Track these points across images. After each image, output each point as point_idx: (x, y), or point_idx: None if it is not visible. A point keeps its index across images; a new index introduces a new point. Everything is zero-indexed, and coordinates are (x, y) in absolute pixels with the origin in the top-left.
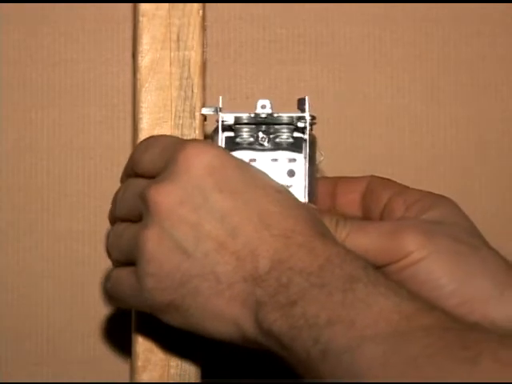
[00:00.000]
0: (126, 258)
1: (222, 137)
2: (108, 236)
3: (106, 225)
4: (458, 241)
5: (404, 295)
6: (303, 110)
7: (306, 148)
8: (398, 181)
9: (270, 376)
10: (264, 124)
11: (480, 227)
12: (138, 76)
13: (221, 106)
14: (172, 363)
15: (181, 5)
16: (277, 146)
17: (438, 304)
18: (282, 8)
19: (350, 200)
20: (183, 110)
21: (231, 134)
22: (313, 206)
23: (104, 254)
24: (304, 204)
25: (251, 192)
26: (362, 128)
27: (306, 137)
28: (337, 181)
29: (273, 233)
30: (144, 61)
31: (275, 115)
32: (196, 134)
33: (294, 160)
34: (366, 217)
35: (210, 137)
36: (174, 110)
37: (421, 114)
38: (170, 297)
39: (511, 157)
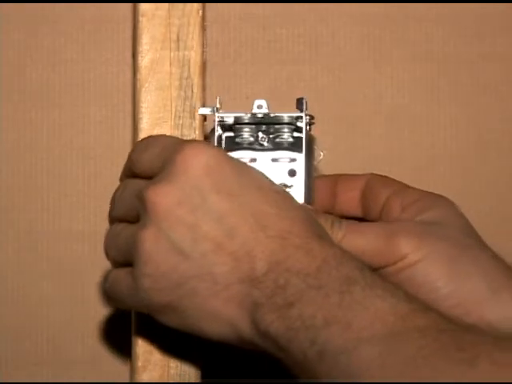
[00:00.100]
0: (123, 259)
1: (218, 137)
2: (106, 236)
3: (106, 225)
4: (454, 243)
5: (400, 297)
6: (302, 110)
7: (303, 147)
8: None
9: (270, 376)
10: (262, 124)
11: (479, 227)
12: (138, 76)
13: (218, 105)
14: (172, 364)
15: (181, 5)
16: (277, 146)
17: (435, 306)
18: (282, 8)
19: (350, 198)
20: (183, 110)
21: (231, 134)
22: (309, 206)
23: (104, 254)
24: (301, 205)
25: (248, 193)
26: (362, 128)
27: (303, 136)
28: (337, 178)
29: (269, 234)
30: (144, 61)
31: (272, 115)
32: (196, 134)
33: (295, 160)
34: (366, 215)
35: (207, 137)
36: (173, 110)
37: (421, 114)
38: (167, 297)
39: (511, 157)
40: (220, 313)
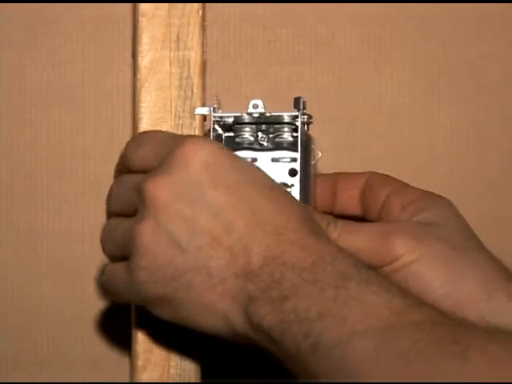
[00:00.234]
0: (120, 252)
1: (216, 136)
2: (102, 230)
3: None
4: (451, 244)
5: (395, 292)
6: (298, 109)
7: (298, 146)
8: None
9: (270, 376)
10: (260, 124)
11: (479, 227)
12: (138, 76)
13: (215, 105)
14: (172, 363)
15: (181, 5)
16: (277, 146)
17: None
18: (282, 8)
19: (350, 196)
20: (183, 110)
21: (231, 133)
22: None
23: (104, 254)
24: (298, 202)
25: (246, 188)
26: (362, 128)
27: (299, 135)
28: (337, 177)
29: (265, 229)
30: (144, 61)
31: (267, 114)
32: (196, 134)
33: (295, 159)
34: (365, 214)
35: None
36: (173, 110)
37: (421, 114)
38: (162, 290)
39: (511, 157)
40: (214, 306)
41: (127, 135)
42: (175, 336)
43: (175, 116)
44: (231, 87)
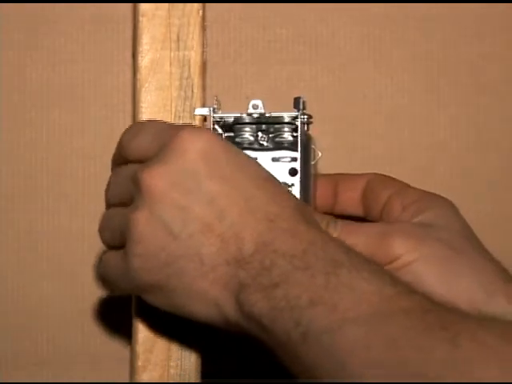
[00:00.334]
0: (116, 241)
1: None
2: (101, 219)
3: None
4: (451, 244)
5: (386, 280)
6: (298, 109)
7: (298, 146)
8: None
9: (270, 376)
10: (259, 124)
11: (479, 227)
12: (138, 76)
13: (215, 106)
14: (172, 363)
15: (181, 5)
16: (277, 146)
17: None
18: (282, 8)
19: (351, 197)
20: (183, 110)
21: (231, 133)
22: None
23: None
24: (291, 193)
25: (240, 178)
26: (362, 128)
27: (299, 135)
28: (338, 178)
29: (257, 217)
30: (144, 61)
31: (267, 115)
32: None
33: (296, 159)
34: (367, 214)
35: None
36: (173, 109)
37: (421, 114)
38: (155, 277)
39: (511, 157)
40: (206, 293)
41: None
42: (175, 336)
43: (175, 116)
44: (231, 87)
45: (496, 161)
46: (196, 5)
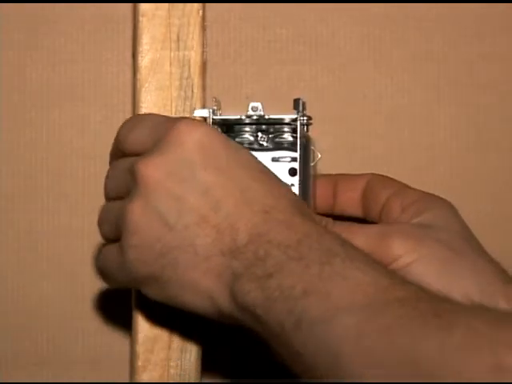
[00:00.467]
0: (114, 233)
1: None
2: (99, 212)
3: None
4: (449, 245)
5: (381, 270)
6: (298, 111)
7: (297, 148)
8: (397, 180)
9: (270, 376)
10: (258, 124)
11: (479, 227)
12: (138, 76)
13: (214, 107)
14: (172, 363)
15: (181, 5)
16: (277, 146)
17: None
18: (282, 8)
19: (350, 198)
20: (183, 110)
21: (231, 133)
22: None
23: None
24: (287, 185)
25: (236, 169)
26: (362, 128)
27: (298, 137)
28: (337, 178)
29: (253, 208)
30: (144, 61)
31: (266, 117)
32: None
33: (295, 159)
34: (366, 215)
35: None
36: (173, 110)
37: (421, 114)
38: (150, 268)
39: (511, 157)
40: (199, 285)
41: None
42: (176, 335)
43: (175, 116)
44: (231, 87)
45: (496, 161)
46: (196, 5)
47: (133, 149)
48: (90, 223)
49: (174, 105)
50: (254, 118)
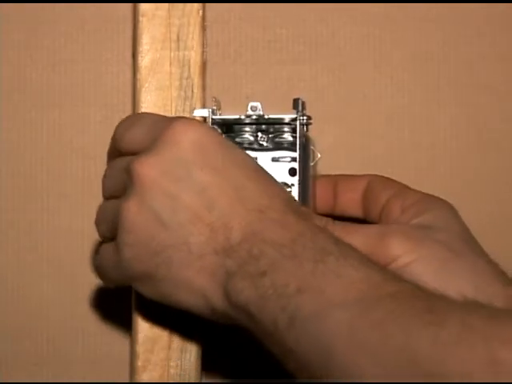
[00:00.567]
0: (111, 232)
1: None
2: (97, 212)
3: None
4: (449, 246)
5: (374, 268)
6: (297, 111)
7: (297, 148)
8: (397, 181)
9: (270, 376)
10: (257, 124)
11: (479, 227)
12: (138, 76)
13: (214, 107)
14: (172, 363)
15: (181, 5)
16: (277, 146)
17: None
18: (282, 8)
19: (351, 199)
20: (183, 110)
21: (231, 133)
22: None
23: None
24: (282, 185)
25: (231, 169)
26: (362, 128)
27: (297, 137)
28: (338, 179)
29: (247, 207)
30: (144, 61)
31: (266, 117)
32: None
33: (296, 159)
34: (366, 216)
35: None
36: (173, 110)
37: (421, 114)
38: (145, 266)
39: (511, 157)
40: (193, 283)
41: None
42: (176, 336)
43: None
44: (231, 87)
45: (496, 161)
46: (196, 5)
47: (129, 148)
48: (90, 223)
49: (173, 105)
50: (254, 117)
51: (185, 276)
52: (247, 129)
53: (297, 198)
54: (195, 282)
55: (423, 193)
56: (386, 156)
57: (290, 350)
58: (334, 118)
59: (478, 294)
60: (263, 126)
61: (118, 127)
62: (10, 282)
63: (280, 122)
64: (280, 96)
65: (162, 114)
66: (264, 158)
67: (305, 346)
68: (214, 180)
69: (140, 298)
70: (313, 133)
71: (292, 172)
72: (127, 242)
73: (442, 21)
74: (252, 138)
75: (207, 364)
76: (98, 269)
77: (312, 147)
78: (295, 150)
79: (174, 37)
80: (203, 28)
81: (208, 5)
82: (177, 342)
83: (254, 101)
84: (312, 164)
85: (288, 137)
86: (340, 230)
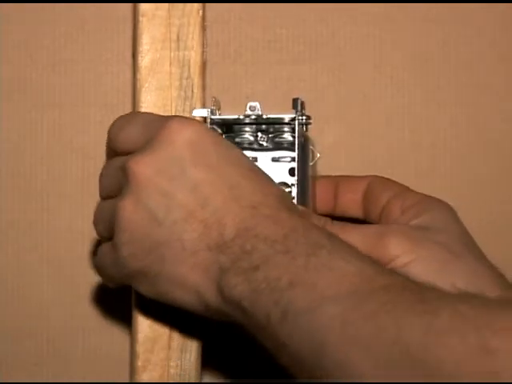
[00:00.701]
0: (108, 231)
1: None
2: (94, 211)
3: None
4: (448, 248)
5: (367, 261)
6: (296, 110)
7: (295, 148)
8: (397, 181)
9: (270, 376)
10: (256, 124)
11: (479, 227)
12: (138, 76)
13: (213, 107)
14: (172, 363)
15: (181, 5)
16: (277, 146)
17: None
18: (282, 8)
19: (351, 199)
20: (183, 110)
21: (231, 133)
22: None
23: None
24: (276, 183)
25: (225, 167)
26: (362, 128)
27: (296, 137)
28: (338, 180)
29: (241, 204)
30: (144, 61)
31: (264, 116)
32: None
33: (295, 159)
34: (366, 217)
35: None
36: (173, 110)
37: (421, 114)
38: (141, 263)
39: (511, 157)
40: (187, 280)
41: None
42: (176, 336)
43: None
44: (231, 87)
45: (496, 161)
46: (196, 5)
47: (124, 147)
48: (90, 223)
49: (173, 105)
50: (253, 117)
51: (179, 272)
52: (247, 129)
53: (296, 197)
54: (189, 279)
55: (423, 194)
56: (386, 156)
57: (282, 344)
58: (334, 118)
59: None
60: (263, 126)
61: (111, 127)
62: (10, 282)
63: (279, 121)
64: (280, 96)
65: (162, 114)
66: (264, 158)
67: (297, 339)
68: (207, 177)
69: (140, 298)
70: (313, 133)
71: (292, 172)
72: (123, 241)
73: (442, 21)
74: (252, 138)
75: (207, 364)
76: (98, 268)
77: (311, 147)
78: (295, 150)
79: (174, 37)
80: (203, 28)
81: (208, 5)
82: (177, 341)
83: (253, 101)
84: (311, 164)
85: (288, 137)
86: (338, 229)
